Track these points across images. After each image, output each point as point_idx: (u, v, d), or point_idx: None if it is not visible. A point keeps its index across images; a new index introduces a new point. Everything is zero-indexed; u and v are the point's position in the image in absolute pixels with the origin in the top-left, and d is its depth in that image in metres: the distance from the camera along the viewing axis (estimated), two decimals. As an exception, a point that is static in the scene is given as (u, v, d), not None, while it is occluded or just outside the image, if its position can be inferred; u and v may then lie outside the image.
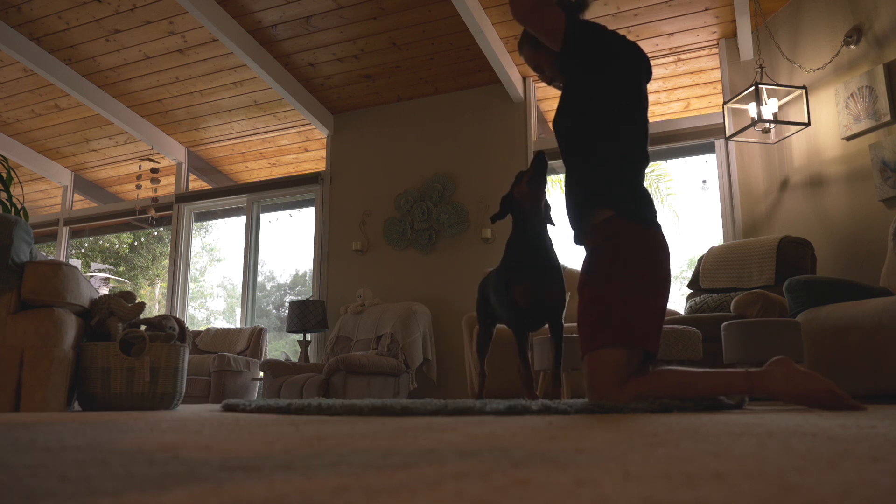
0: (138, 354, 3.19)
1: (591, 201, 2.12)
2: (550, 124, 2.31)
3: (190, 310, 7.32)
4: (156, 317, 3.55)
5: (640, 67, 2.23)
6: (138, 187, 7.43)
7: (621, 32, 5.21)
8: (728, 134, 4.80)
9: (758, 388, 1.90)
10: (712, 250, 4.71)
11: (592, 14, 5.06)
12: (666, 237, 2.12)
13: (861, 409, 1.84)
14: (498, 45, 5.34)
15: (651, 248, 2.04)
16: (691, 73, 5.63)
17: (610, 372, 1.95)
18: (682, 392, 1.92)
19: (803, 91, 4.55)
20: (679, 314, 4.40)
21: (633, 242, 2.04)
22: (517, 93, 5.79)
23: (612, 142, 2.16)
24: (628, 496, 0.48)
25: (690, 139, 5.43)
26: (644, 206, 2.10)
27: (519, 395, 3.08)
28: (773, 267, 4.26)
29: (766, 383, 1.89)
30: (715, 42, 5.33)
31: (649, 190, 2.19)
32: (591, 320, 2.01)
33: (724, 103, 4.87)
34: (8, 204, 3.43)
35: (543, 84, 5.95)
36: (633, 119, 2.18)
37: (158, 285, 12.65)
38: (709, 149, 5.53)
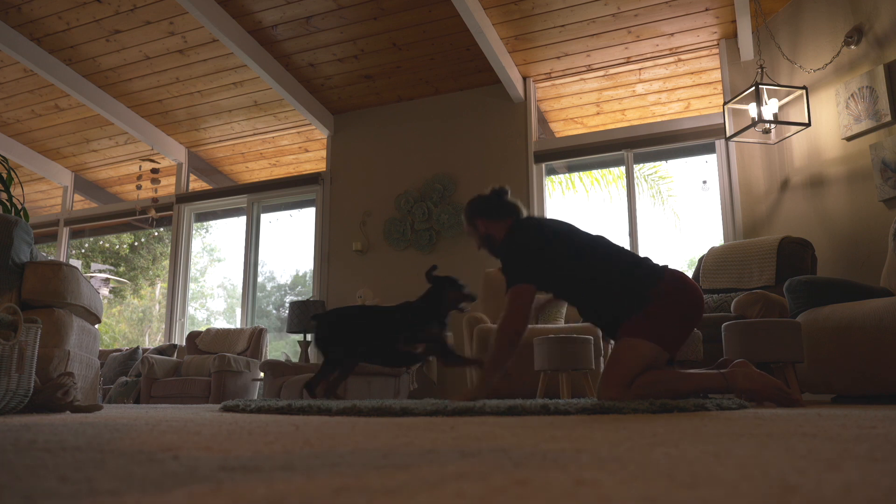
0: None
1: (626, 314, 2.51)
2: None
3: (190, 310, 7.32)
4: None
5: (569, 233, 2.70)
6: (138, 188, 7.42)
7: (621, 33, 5.24)
8: (728, 134, 4.79)
9: (731, 386, 2.39)
10: (712, 251, 4.71)
11: (593, 14, 5.06)
12: (676, 280, 2.52)
13: (801, 404, 2.39)
14: (498, 46, 5.34)
15: (676, 301, 2.49)
16: (692, 73, 5.63)
17: (636, 361, 2.40)
18: (676, 390, 2.37)
19: (804, 91, 4.55)
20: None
21: (669, 296, 2.49)
22: (517, 93, 5.79)
23: (599, 280, 2.57)
24: (628, 496, 0.48)
25: (691, 139, 5.44)
26: (642, 279, 2.54)
27: (517, 395, 3.08)
28: (773, 267, 4.26)
29: (734, 381, 2.39)
30: (715, 42, 5.33)
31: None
32: (636, 321, 2.47)
33: (725, 104, 4.87)
34: (8, 204, 3.42)
35: (544, 84, 5.95)
36: (595, 258, 2.61)
37: (159, 286, 12.65)
38: (709, 149, 5.53)
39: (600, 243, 2.67)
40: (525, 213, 2.84)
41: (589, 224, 8.00)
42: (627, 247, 5.51)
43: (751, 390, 2.38)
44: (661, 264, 2.61)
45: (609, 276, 2.55)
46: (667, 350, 2.46)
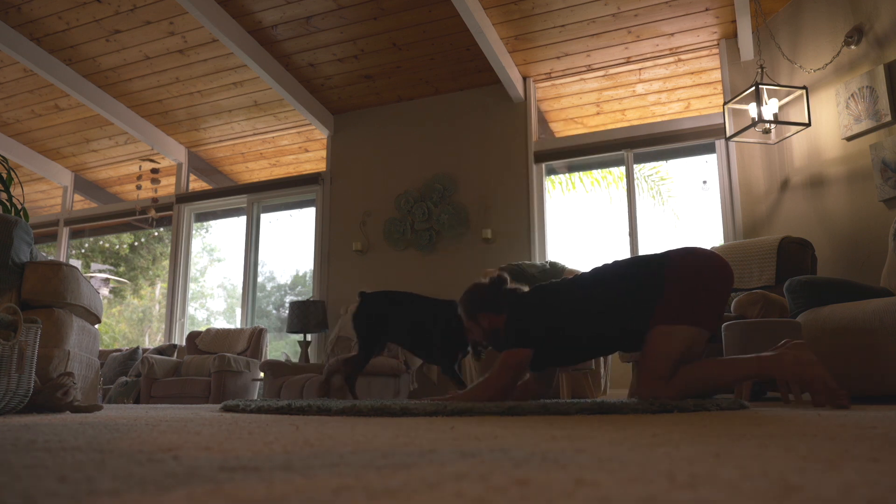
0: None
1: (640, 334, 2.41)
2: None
3: (190, 310, 7.32)
4: None
5: (563, 282, 2.58)
6: (138, 188, 7.43)
7: (621, 33, 5.23)
8: (728, 134, 4.79)
9: (774, 369, 2.18)
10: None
11: (593, 14, 5.07)
12: (682, 257, 2.41)
13: (847, 407, 2.07)
14: (498, 46, 5.34)
15: (689, 276, 2.36)
16: (692, 73, 5.63)
17: (672, 348, 2.27)
18: (717, 380, 2.27)
19: (804, 91, 4.55)
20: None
21: (682, 276, 2.36)
22: (517, 93, 5.79)
23: (613, 307, 2.44)
24: (628, 496, 0.48)
25: (691, 139, 5.44)
26: (650, 277, 2.41)
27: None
28: (773, 267, 4.26)
29: (778, 366, 2.17)
30: (715, 42, 5.33)
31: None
32: (666, 307, 2.32)
33: (725, 104, 4.87)
34: (8, 204, 3.42)
35: (544, 84, 5.95)
36: (582, 313, 2.48)
37: (159, 286, 12.64)
38: (709, 149, 5.53)
39: (591, 276, 2.55)
40: None
41: (589, 224, 8.00)
42: (628, 247, 5.50)
43: (797, 375, 2.15)
44: (661, 252, 2.48)
45: (619, 299, 2.43)
46: (704, 327, 2.32)
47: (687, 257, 2.38)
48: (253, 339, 6.00)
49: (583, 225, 8.05)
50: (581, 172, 7.87)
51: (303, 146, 7.14)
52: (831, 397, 2.10)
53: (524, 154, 5.80)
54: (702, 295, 2.32)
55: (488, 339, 2.67)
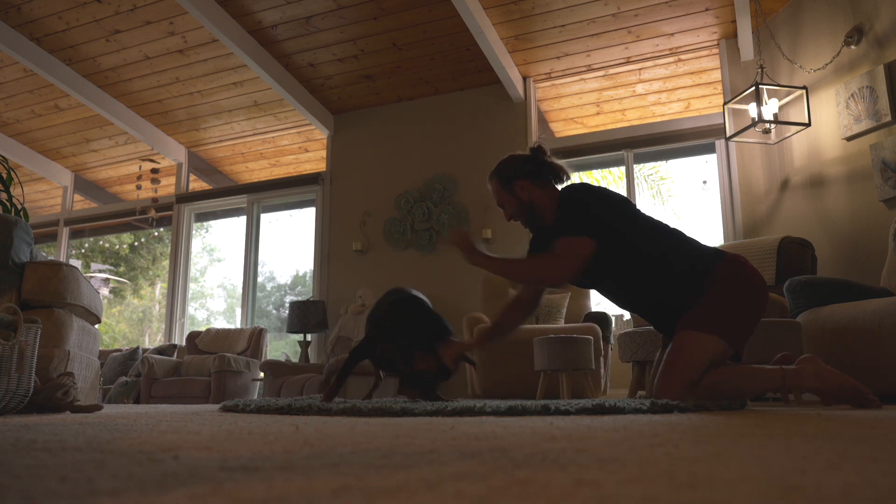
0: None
1: (686, 304, 2.24)
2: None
3: (190, 310, 7.32)
4: None
5: (625, 204, 2.36)
6: (138, 188, 7.42)
7: (621, 33, 5.24)
8: (728, 134, 4.79)
9: (793, 384, 2.15)
10: (712, 251, 4.70)
11: (593, 14, 5.06)
12: (736, 264, 2.26)
13: (877, 406, 2.07)
14: (498, 46, 5.34)
15: (735, 289, 2.23)
16: (692, 73, 5.63)
17: (702, 356, 2.13)
18: (739, 389, 2.15)
19: (804, 91, 4.55)
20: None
21: (728, 283, 2.23)
22: (517, 93, 5.78)
23: (652, 258, 2.28)
24: (628, 496, 0.48)
25: (691, 139, 5.44)
26: (703, 259, 2.26)
27: (515, 396, 3.07)
28: (773, 267, 4.26)
29: (799, 380, 2.13)
30: (715, 42, 5.33)
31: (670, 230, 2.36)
32: (703, 312, 2.18)
33: (725, 104, 4.87)
34: (8, 204, 3.42)
35: (544, 84, 5.95)
36: (643, 232, 2.30)
37: (159, 286, 12.64)
38: (709, 149, 5.53)
39: (658, 220, 2.35)
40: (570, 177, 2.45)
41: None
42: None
43: (821, 390, 2.12)
44: (716, 248, 2.35)
45: (672, 254, 2.25)
46: (733, 346, 2.19)
47: (737, 269, 2.24)
48: (253, 339, 6.00)
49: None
50: (581, 172, 7.87)
51: (303, 146, 7.14)
52: (861, 401, 2.08)
53: (524, 154, 5.80)
54: (742, 315, 2.21)
55: (522, 213, 2.41)
